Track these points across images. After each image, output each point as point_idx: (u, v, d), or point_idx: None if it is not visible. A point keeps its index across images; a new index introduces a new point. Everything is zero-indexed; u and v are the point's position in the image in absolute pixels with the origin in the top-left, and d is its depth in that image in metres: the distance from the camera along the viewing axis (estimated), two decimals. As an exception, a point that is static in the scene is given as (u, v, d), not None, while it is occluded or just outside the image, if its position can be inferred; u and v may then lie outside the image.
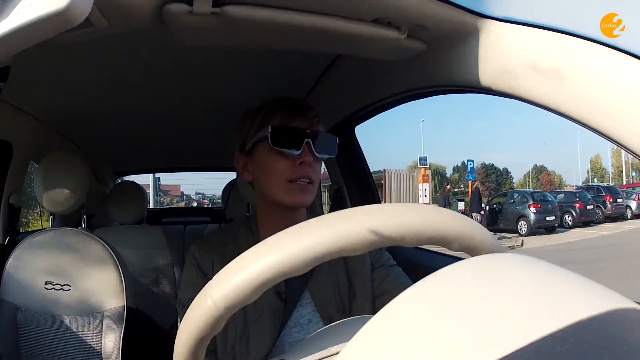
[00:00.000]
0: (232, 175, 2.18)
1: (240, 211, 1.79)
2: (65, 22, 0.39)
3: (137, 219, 1.81)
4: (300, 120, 0.75)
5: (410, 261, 1.04)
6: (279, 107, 0.76)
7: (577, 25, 0.52)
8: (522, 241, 9.89)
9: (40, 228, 1.87)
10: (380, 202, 1.63)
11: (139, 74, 1.15)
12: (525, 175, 33.20)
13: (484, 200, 13.44)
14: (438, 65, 0.75)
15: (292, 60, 1.04)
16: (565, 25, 0.53)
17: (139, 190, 1.87)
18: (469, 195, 13.60)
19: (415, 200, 13.00)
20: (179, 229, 1.97)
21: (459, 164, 33.52)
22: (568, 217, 12.20)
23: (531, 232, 10.96)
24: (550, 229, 11.22)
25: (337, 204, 1.49)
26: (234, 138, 0.81)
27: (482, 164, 33.63)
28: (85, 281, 1.16)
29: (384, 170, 13.93)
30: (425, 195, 12.32)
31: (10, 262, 1.14)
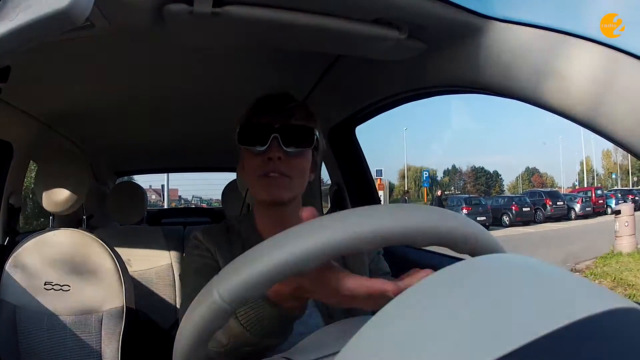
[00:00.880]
0: (231, 176, 2.18)
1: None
2: (66, 22, 0.39)
3: (136, 219, 1.81)
4: (271, 115, 0.75)
5: (410, 261, 1.05)
6: (253, 105, 0.78)
7: (577, 25, 0.52)
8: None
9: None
10: (379, 201, 1.63)
11: (139, 74, 1.15)
12: (517, 177, 33.25)
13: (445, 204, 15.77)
14: (438, 65, 0.75)
15: (293, 61, 1.04)
16: (565, 25, 0.53)
17: (139, 190, 1.87)
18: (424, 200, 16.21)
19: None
20: (178, 230, 1.97)
21: (449, 167, 33.86)
22: (505, 217, 14.30)
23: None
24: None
25: (337, 204, 1.49)
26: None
27: (472, 167, 33.72)
28: (85, 281, 1.16)
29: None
30: (382, 200, 14.17)
31: (10, 262, 1.14)
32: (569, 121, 0.55)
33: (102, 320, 1.15)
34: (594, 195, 16.28)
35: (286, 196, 0.74)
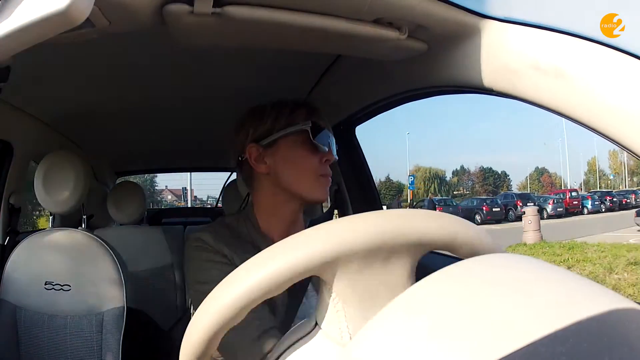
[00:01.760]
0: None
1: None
2: (66, 22, 0.39)
3: (137, 219, 1.81)
4: (323, 121, 0.80)
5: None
6: (303, 106, 0.80)
7: (577, 25, 0.52)
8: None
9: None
10: (380, 203, 1.63)
11: (139, 74, 1.15)
12: (527, 177, 33.21)
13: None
14: (439, 65, 0.75)
15: (293, 61, 1.04)
16: (565, 25, 0.53)
17: (139, 190, 1.88)
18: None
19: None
20: (179, 230, 1.97)
21: (458, 168, 33.97)
22: (477, 216, 16.08)
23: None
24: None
25: (337, 205, 1.49)
26: (244, 130, 0.81)
27: (480, 167, 33.75)
28: (85, 281, 1.16)
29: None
30: None
31: (10, 262, 1.14)
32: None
33: (102, 320, 1.15)
34: (568, 197, 18.09)
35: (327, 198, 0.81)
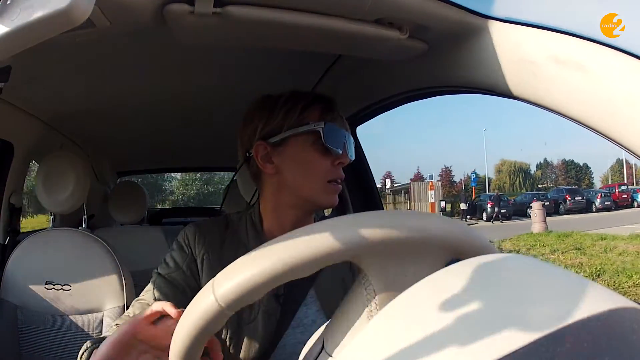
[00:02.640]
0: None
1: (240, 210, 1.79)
2: (67, 22, 0.39)
3: (137, 219, 1.81)
4: (339, 120, 0.73)
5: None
6: (317, 103, 0.73)
7: (577, 25, 0.52)
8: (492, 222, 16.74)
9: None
10: (381, 202, 1.63)
11: (140, 74, 1.15)
12: (608, 169, 32.71)
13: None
14: (440, 65, 0.75)
15: (294, 61, 1.04)
16: (565, 25, 0.53)
17: (140, 190, 1.88)
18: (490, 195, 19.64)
19: (427, 200, 20.22)
20: (179, 229, 1.97)
21: (542, 161, 34.49)
22: (529, 210, 16.73)
23: (495, 218, 17.20)
24: (506, 217, 17.54)
25: (337, 205, 1.49)
26: (252, 124, 0.75)
27: (562, 159, 33.84)
28: (86, 281, 1.16)
29: (410, 182, 24.01)
30: (432, 197, 19.38)
31: (11, 262, 1.14)
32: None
33: (102, 320, 1.15)
34: (617, 190, 19.47)
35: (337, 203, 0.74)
